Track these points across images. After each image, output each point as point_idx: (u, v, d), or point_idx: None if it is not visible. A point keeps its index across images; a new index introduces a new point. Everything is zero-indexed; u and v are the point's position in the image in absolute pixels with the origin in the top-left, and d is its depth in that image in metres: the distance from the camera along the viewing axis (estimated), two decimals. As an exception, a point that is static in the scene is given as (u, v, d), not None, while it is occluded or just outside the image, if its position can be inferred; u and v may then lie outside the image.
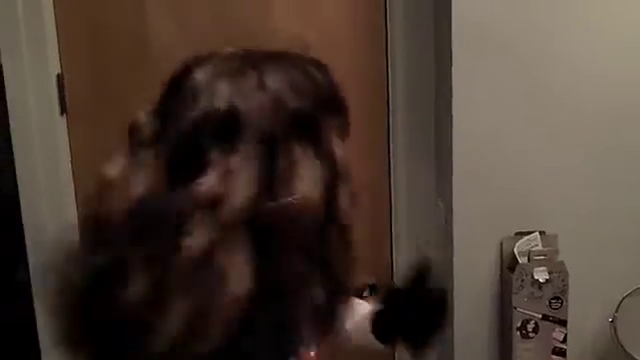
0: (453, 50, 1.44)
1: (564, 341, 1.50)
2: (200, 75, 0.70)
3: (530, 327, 1.48)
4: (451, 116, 1.45)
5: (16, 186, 1.75)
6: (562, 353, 1.50)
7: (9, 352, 1.87)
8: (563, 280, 1.48)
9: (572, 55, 1.48)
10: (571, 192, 1.54)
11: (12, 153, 1.74)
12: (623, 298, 1.51)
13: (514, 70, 1.47)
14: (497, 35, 1.45)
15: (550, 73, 1.48)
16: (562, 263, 1.49)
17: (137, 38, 1.77)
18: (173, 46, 1.75)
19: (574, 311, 1.50)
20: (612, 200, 1.56)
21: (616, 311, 1.51)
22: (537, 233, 1.50)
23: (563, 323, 1.49)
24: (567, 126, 1.51)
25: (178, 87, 0.71)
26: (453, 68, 1.44)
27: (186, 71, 0.72)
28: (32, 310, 1.79)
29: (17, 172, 1.74)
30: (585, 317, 1.53)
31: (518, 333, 1.47)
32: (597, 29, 1.48)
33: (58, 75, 1.74)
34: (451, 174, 1.47)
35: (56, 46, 1.73)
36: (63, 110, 1.76)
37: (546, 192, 1.51)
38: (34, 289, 1.77)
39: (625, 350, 1.50)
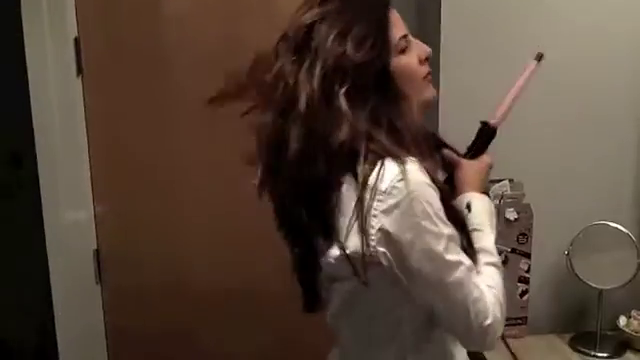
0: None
1: (528, 271, 1.77)
2: None
3: (501, 258, 1.73)
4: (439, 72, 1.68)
5: (33, 142, 1.88)
6: (526, 281, 1.77)
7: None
8: (529, 219, 1.74)
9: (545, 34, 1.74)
10: (536, 149, 1.80)
11: (30, 110, 1.87)
12: (577, 235, 1.78)
13: (499, 38, 1.73)
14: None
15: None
16: (528, 205, 1.74)
17: (150, 3, 1.91)
18: (184, 9, 1.91)
19: (537, 245, 1.76)
20: (568, 158, 1.83)
21: (571, 245, 1.78)
22: (507, 180, 1.76)
23: (528, 256, 1.76)
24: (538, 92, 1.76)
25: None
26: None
27: None
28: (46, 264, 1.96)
29: (34, 128, 1.88)
30: (546, 251, 1.80)
31: (491, 264, 1.73)
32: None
33: (75, 39, 1.88)
34: (437, 128, 1.71)
35: (74, 11, 1.87)
36: (79, 71, 1.91)
37: (515, 148, 1.74)
38: (49, 248, 1.93)
39: (578, 277, 1.77)
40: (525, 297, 1.78)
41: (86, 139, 1.95)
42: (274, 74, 1.05)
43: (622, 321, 1.81)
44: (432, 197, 0.97)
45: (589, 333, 1.82)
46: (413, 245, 0.96)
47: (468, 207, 1.14)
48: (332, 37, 1.00)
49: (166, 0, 1.93)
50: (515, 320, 1.78)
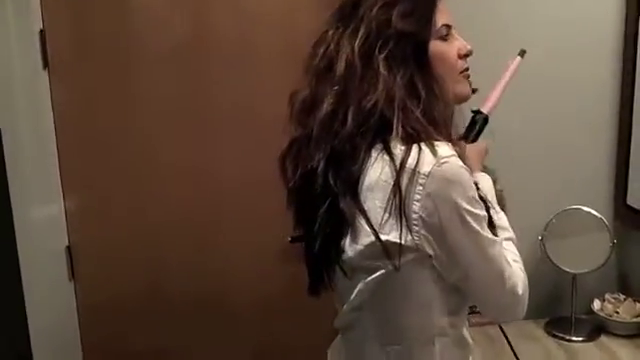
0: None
1: (503, 257, 1.77)
2: None
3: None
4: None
5: (0, 136, 1.82)
6: (501, 267, 1.77)
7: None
8: (502, 206, 1.73)
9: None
10: (509, 135, 1.79)
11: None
12: (550, 220, 1.79)
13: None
14: None
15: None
16: (501, 192, 1.74)
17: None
18: (152, 0, 1.88)
19: (510, 232, 1.76)
20: (541, 143, 1.84)
21: (544, 230, 1.79)
22: (479, 167, 1.75)
23: (502, 242, 1.76)
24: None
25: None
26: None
27: None
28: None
29: (0, 123, 1.81)
30: (519, 236, 1.79)
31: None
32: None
33: (41, 31, 1.84)
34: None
35: (39, 3, 1.83)
36: (45, 64, 1.87)
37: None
38: (19, 246, 1.87)
39: (552, 262, 1.78)
40: (500, 283, 1.78)
41: (54, 132, 1.91)
42: (316, 41, 1.09)
43: (596, 305, 1.83)
44: (470, 180, 1.00)
45: (564, 318, 1.83)
46: (456, 228, 0.98)
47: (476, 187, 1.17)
48: (379, 6, 1.04)
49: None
50: (490, 307, 1.78)
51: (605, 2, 1.80)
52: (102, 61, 1.90)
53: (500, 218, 1.16)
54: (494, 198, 1.21)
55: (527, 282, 1.11)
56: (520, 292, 1.08)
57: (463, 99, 1.15)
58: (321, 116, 1.03)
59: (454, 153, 0.99)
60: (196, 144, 1.95)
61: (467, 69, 1.13)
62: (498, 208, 1.18)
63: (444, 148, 0.98)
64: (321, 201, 1.04)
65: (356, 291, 1.08)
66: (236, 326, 2.06)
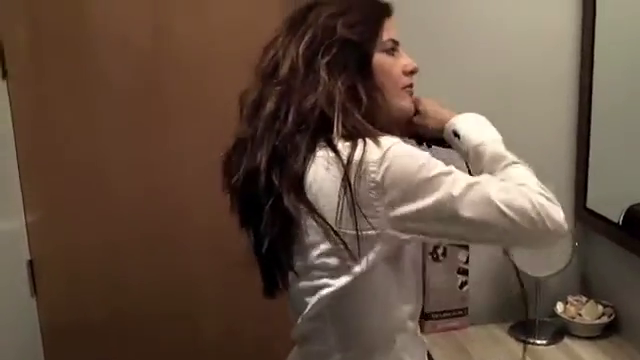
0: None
1: (467, 262, 1.78)
2: None
3: (440, 251, 1.75)
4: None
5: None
6: (465, 272, 1.78)
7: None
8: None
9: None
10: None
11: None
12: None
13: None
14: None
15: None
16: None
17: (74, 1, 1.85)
18: (111, 5, 1.87)
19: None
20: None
21: (508, 235, 1.80)
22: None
23: (466, 247, 1.77)
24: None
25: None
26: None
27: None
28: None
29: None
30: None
31: (430, 257, 1.74)
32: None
33: (-4, 41, 1.82)
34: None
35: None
36: (4, 74, 1.84)
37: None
38: None
39: (515, 266, 1.80)
40: (465, 288, 1.79)
41: (14, 143, 1.88)
42: (266, 45, 1.11)
43: (559, 307, 1.85)
44: (416, 150, 1.02)
45: (527, 321, 1.85)
46: (421, 200, 0.98)
47: (456, 134, 1.19)
48: (326, 14, 1.08)
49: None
50: (456, 312, 1.80)
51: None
52: (61, 71, 1.88)
53: (492, 147, 1.15)
54: (484, 129, 1.20)
55: (540, 198, 1.04)
56: (530, 206, 1.01)
57: (405, 113, 1.18)
58: (264, 115, 1.05)
59: (398, 140, 1.01)
60: (162, 149, 1.95)
61: (411, 85, 1.16)
62: (488, 138, 1.17)
63: (387, 138, 1.01)
64: (265, 200, 1.04)
65: (315, 299, 1.08)
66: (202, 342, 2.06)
